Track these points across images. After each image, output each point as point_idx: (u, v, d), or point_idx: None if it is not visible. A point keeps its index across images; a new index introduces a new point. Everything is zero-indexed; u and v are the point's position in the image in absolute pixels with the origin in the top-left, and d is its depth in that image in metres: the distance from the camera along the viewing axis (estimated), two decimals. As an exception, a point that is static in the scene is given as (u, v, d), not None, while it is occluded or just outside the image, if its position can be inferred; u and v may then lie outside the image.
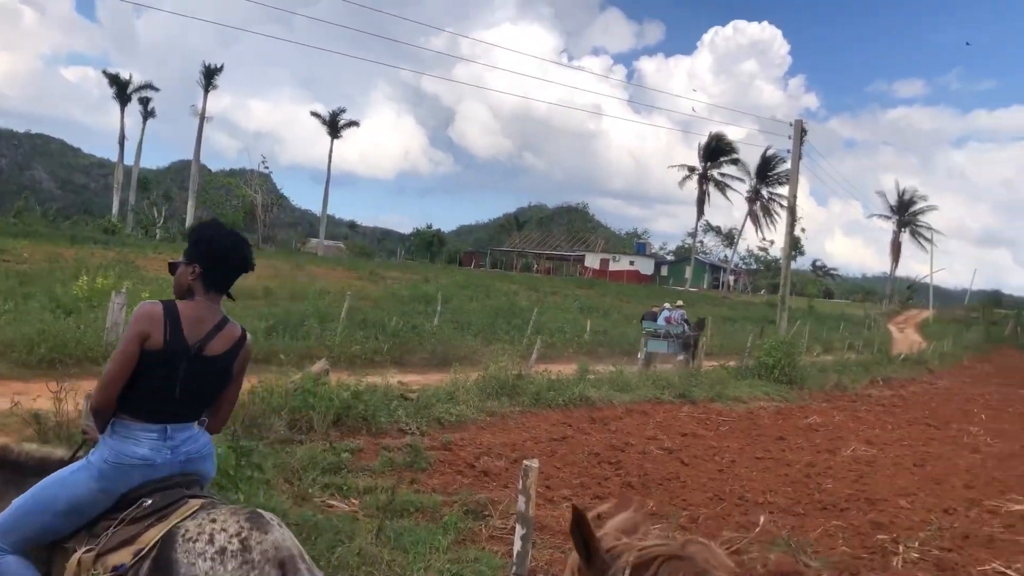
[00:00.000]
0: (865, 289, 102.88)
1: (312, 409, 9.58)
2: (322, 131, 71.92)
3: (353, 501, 7.21)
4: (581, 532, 1.70)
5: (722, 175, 69.74)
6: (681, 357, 20.88)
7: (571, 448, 10.80)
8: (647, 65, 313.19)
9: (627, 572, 1.63)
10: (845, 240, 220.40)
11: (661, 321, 21.35)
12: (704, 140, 69.89)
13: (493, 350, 18.32)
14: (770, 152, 66.83)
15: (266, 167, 73.29)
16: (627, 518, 1.86)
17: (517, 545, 4.66)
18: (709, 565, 1.64)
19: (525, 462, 4.86)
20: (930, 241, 70.37)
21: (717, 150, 68.30)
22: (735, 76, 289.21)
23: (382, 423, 10.33)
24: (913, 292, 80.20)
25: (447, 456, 9.58)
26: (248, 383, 9.83)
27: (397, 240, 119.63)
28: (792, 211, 21.47)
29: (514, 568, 4.67)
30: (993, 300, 73.32)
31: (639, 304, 43.01)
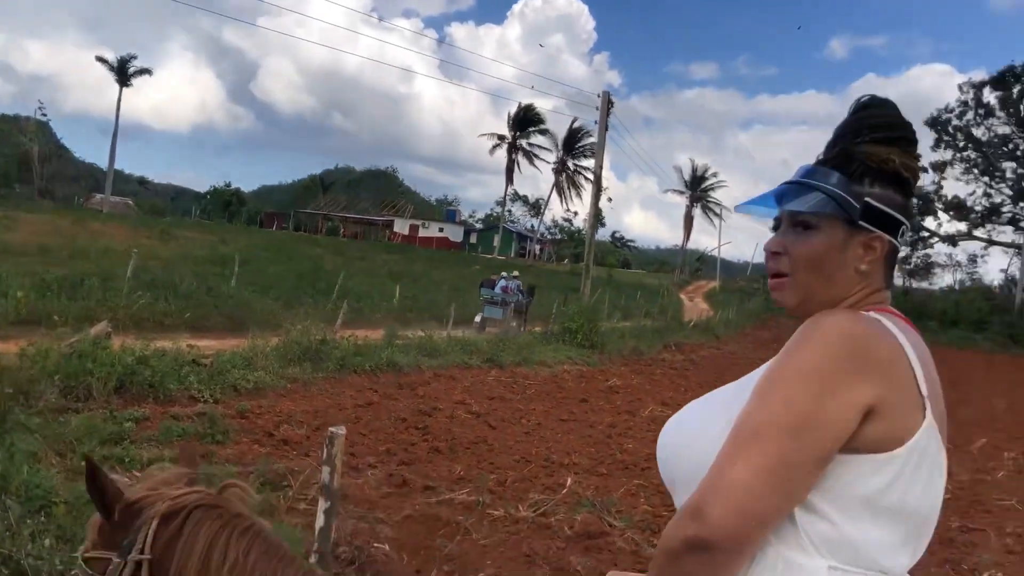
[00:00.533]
0: (660, 260, 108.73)
1: (91, 375, 8.68)
2: (110, 79, 66.37)
3: (136, 474, 6.51)
4: (97, 486, 1.59)
5: (531, 145, 71.02)
6: (515, 323, 22.43)
7: (377, 414, 10.47)
8: (458, 31, 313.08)
9: (154, 524, 1.54)
10: (642, 214, 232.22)
11: (498, 290, 22.89)
12: (514, 110, 70.76)
13: (295, 314, 17.64)
14: (576, 124, 68.76)
15: (44, 114, 66.76)
16: (174, 473, 1.78)
17: (320, 520, 4.29)
18: (243, 508, 1.64)
19: (331, 429, 4.52)
20: (719, 216, 75.14)
21: (526, 120, 69.34)
22: (543, 48, 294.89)
23: (171, 390, 9.54)
24: (702, 264, 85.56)
25: (244, 424, 9.00)
26: (15, 345, 8.77)
27: (192, 199, 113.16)
28: (598, 181, 22.01)
29: (316, 544, 4.30)
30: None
31: (448, 271, 43.11)
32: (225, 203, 79.70)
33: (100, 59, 68.38)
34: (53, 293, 13.68)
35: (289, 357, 12.34)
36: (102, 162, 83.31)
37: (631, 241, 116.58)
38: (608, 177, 68.58)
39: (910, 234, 1.45)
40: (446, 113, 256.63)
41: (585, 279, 23.88)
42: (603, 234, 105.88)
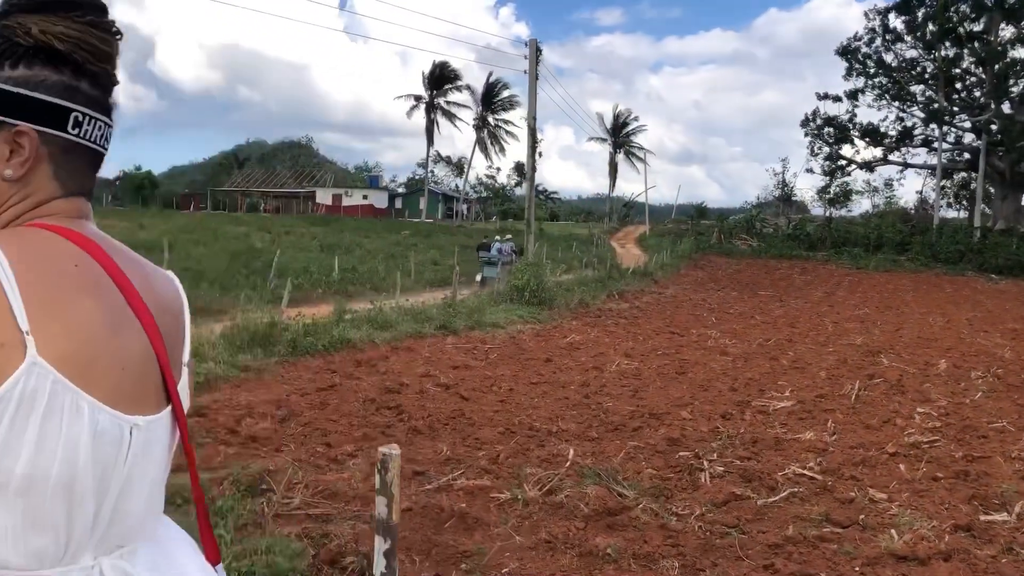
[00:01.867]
0: (584, 210, 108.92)
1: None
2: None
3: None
4: None
5: (448, 103, 69.72)
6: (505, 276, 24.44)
7: (342, 397, 9.85)
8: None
9: None
10: (561, 164, 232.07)
11: (494, 251, 25.73)
12: (428, 69, 69.27)
13: (234, 298, 16.77)
14: (494, 78, 67.75)
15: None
16: None
17: (380, 565, 3.70)
18: None
19: (382, 450, 3.91)
20: (643, 161, 75.36)
21: (442, 78, 67.98)
22: (448, 4, 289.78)
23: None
24: (629, 210, 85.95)
25: (202, 424, 8.28)
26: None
27: (101, 185, 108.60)
28: (532, 133, 21.42)
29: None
30: (700, 212, 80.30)
31: (379, 239, 42.15)
32: (137, 187, 76.47)
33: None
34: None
35: (238, 344, 11.59)
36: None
37: (554, 193, 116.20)
38: (518, 131, 67.89)
39: (98, 120, 0.98)
40: (354, 78, 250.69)
41: (528, 234, 23.39)
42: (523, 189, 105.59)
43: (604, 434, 8.25)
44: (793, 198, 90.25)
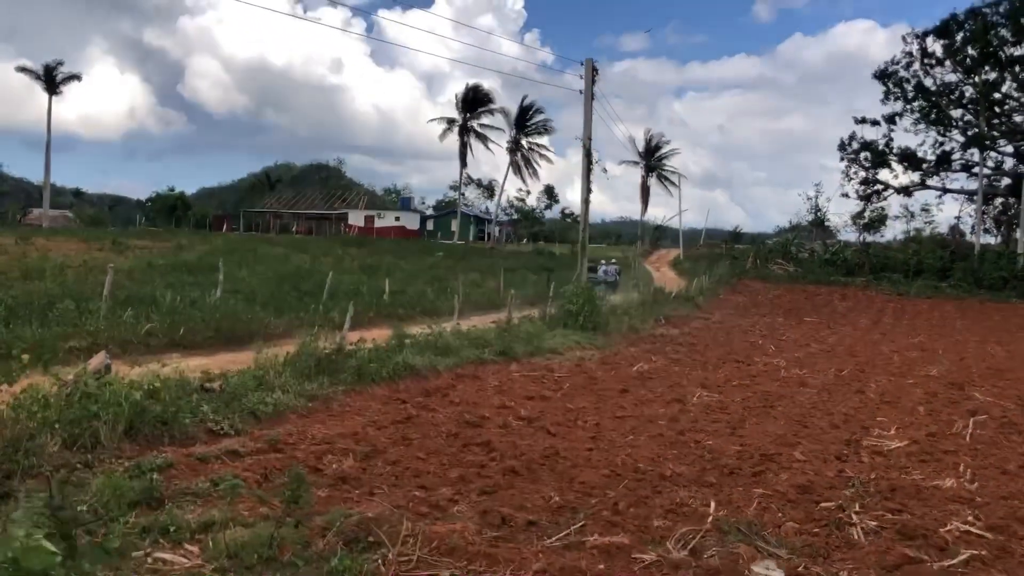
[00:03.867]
0: (613, 233, 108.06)
1: (96, 418, 7.27)
2: (32, 90, 63.16)
3: (190, 548, 5.21)
4: None
5: (482, 126, 69.38)
6: (612, 295, 28.39)
7: (422, 430, 9.21)
8: (386, 18, 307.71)
9: None
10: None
11: (601, 273, 31.95)
12: (461, 92, 69.05)
13: (289, 321, 16.24)
14: (527, 101, 67.44)
15: (-32, 129, 62.89)
16: None
17: None
18: None
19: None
20: (675, 184, 74.55)
21: (475, 100, 67.70)
22: (474, 31, 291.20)
23: (186, 425, 8.19)
24: (661, 233, 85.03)
25: (282, 460, 7.66)
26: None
27: (131, 206, 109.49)
28: (588, 153, 20.84)
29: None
30: (735, 237, 79.34)
31: (417, 261, 41.59)
32: (170, 208, 76.71)
33: (22, 69, 65.03)
34: (22, 320, 12.08)
35: (303, 372, 10.99)
36: (30, 176, 79.39)
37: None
38: (550, 155, 67.67)
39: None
40: (381, 101, 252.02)
41: (581, 258, 22.73)
42: (554, 212, 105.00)
43: (721, 478, 7.53)
44: (826, 223, 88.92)
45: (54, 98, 64.85)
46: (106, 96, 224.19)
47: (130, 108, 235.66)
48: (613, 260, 33.44)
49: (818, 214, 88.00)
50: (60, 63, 64.73)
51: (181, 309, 14.35)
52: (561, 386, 12.73)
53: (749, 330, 26.14)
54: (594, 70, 20.43)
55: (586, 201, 21.59)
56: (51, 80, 64.37)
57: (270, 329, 15.37)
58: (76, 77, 66.38)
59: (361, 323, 17.70)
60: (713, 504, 6.33)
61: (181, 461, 7.24)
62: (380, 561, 5.13)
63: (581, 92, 20.42)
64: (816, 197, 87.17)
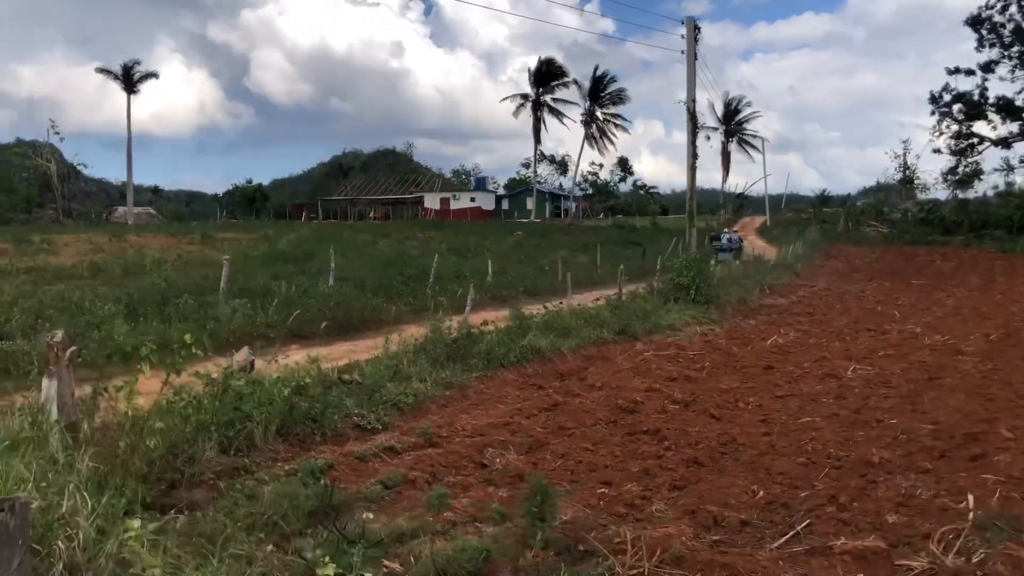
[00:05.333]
0: (684, 202, 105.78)
1: (248, 419, 6.83)
2: (108, 91, 64.63)
3: (390, 565, 4.67)
4: None
5: (555, 100, 68.26)
6: (736, 261, 30.39)
7: (575, 418, 8.60)
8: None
9: None
10: (652, 159, 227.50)
11: (724, 241, 33.01)
12: (533, 67, 68.06)
13: (399, 309, 15.83)
14: (600, 71, 66.10)
15: (58, 133, 64.73)
16: None
17: None
18: None
19: None
20: (757, 149, 72.21)
21: (548, 74, 66.61)
22: (532, 5, 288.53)
23: (335, 421, 7.72)
24: (743, 200, 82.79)
25: (441, 456, 7.13)
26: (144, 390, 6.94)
27: (207, 201, 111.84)
28: (693, 116, 19.87)
29: None
30: (822, 200, 76.83)
31: (499, 242, 41.01)
32: (249, 199, 77.86)
33: (102, 70, 66.30)
34: (144, 317, 11.86)
35: (435, 359, 10.48)
36: (111, 176, 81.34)
37: (653, 188, 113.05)
38: (626, 125, 66.09)
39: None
40: (443, 83, 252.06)
41: (689, 228, 21.81)
42: (627, 185, 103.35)
43: (933, 463, 6.70)
44: (916, 181, 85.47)
45: (133, 97, 66.16)
46: (176, 93, 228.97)
47: (200, 104, 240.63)
48: (736, 229, 34.85)
49: (907, 172, 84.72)
50: (137, 62, 65.92)
51: (296, 299, 14.02)
52: (699, 364, 11.96)
53: (860, 296, 24.86)
54: (696, 28, 19.42)
55: (692, 167, 20.63)
56: (129, 80, 65.57)
57: (383, 316, 14.98)
58: (153, 75, 67.56)
59: (455, 307, 17.23)
60: (971, 498, 5.51)
61: (340, 461, 6.77)
62: (605, 574, 4.51)
63: (683, 52, 19.46)
64: (904, 155, 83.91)
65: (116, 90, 65.14)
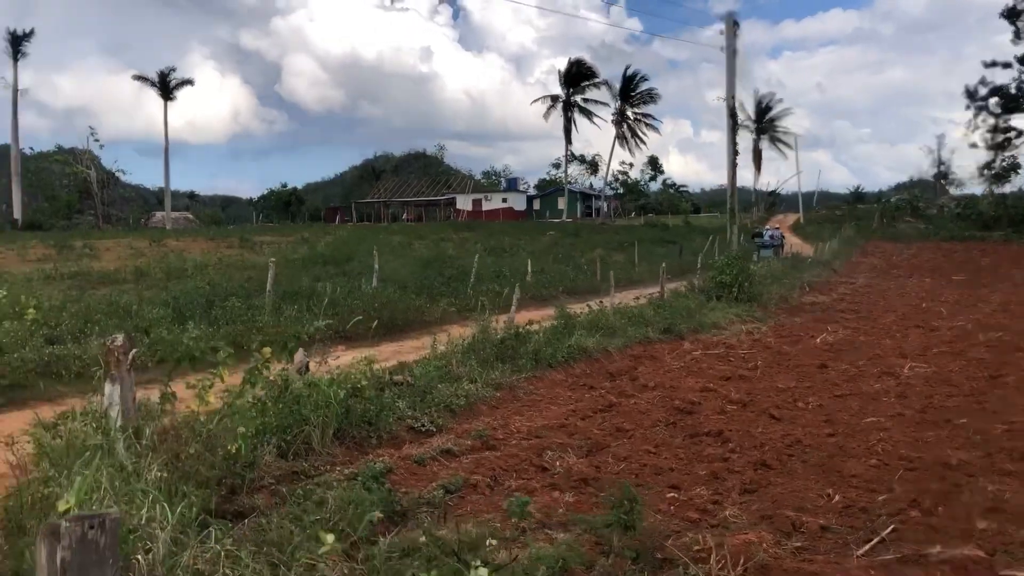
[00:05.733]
0: (718, 202, 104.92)
1: (306, 422, 6.73)
2: (143, 99, 65.65)
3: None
4: None
5: (585, 100, 67.95)
6: (778, 258, 31.06)
7: (632, 419, 8.41)
8: (472, 3, 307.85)
9: None
10: (679, 158, 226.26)
11: (767, 238, 32.78)
12: (563, 67, 67.81)
13: (443, 309, 15.73)
14: (631, 71, 65.72)
15: (97, 140, 65.57)
16: None
17: None
18: None
19: None
20: (789, 146, 71.40)
21: (578, 75, 66.34)
22: (559, 7, 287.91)
23: (389, 424, 7.60)
24: (775, 198, 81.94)
25: (500, 459, 6.99)
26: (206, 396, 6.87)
27: (242, 205, 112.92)
28: (733, 113, 19.57)
29: None
30: (856, 197, 75.91)
31: (532, 242, 40.83)
32: (285, 203, 78.43)
33: (139, 77, 67.08)
34: (194, 319, 11.85)
35: (485, 359, 10.35)
36: (147, 182, 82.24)
37: (683, 187, 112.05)
38: (656, 124, 65.49)
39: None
40: (471, 86, 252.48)
41: (731, 225, 21.49)
42: (657, 183, 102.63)
43: (1016, 465, 6.44)
44: (951, 176, 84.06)
45: (170, 103, 66.87)
46: (210, 100, 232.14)
47: (233, 110, 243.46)
48: (776, 226, 35.25)
49: (941, 167, 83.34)
50: (173, 69, 66.71)
51: (341, 300, 13.96)
52: (751, 364, 11.72)
53: (903, 293, 24.40)
54: (735, 24, 19.13)
55: (733, 164, 20.33)
56: (166, 87, 66.32)
57: (426, 316, 14.89)
58: (188, 82, 68.37)
59: (509, 305, 17.11)
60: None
61: (399, 465, 6.65)
62: (692, 583, 4.34)
63: (722, 49, 19.17)
64: (939, 149, 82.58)
65: (150, 98, 66.36)
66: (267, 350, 6.02)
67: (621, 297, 19.54)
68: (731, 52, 19.17)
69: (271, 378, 6.99)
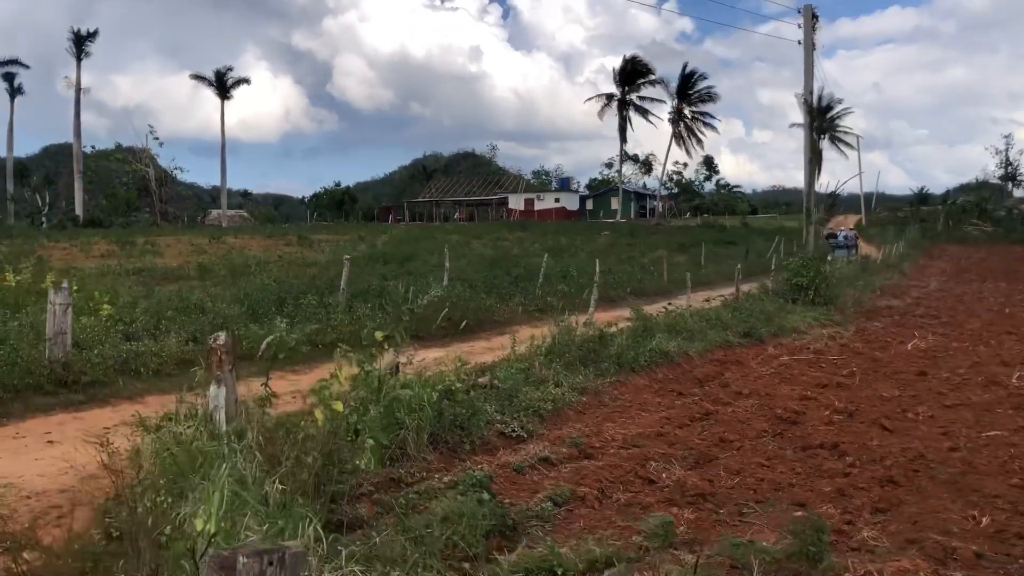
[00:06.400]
0: (778, 203, 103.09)
1: (400, 426, 6.42)
2: (198, 99, 67.03)
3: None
4: None
5: (641, 99, 67.10)
6: (853, 257, 32.10)
7: (733, 428, 7.96)
8: (522, 2, 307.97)
9: None
10: (732, 158, 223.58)
11: (841, 238, 34.15)
12: (619, 65, 67.08)
13: (511, 309, 15.40)
14: (689, 69, 64.76)
15: (156, 138, 66.63)
16: None
17: None
18: None
19: None
20: (851, 146, 69.52)
21: (634, 72, 65.53)
22: (610, 6, 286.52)
23: (481, 428, 7.25)
24: (835, 199, 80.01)
25: (597, 468, 6.60)
26: (297, 398, 6.62)
27: (294, 204, 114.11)
28: (810, 109, 18.87)
29: None
30: (921, 199, 73.94)
31: (588, 242, 40.29)
32: (338, 202, 78.94)
33: (196, 76, 67.93)
34: (264, 317, 11.67)
35: (568, 362, 9.96)
36: (200, 180, 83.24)
37: (736, 187, 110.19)
38: (715, 123, 64.43)
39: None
40: (520, 86, 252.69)
41: (807, 226, 20.83)
42: (711, 183, 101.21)
43: None
44: (1019, 177, 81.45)
45: (227, 102, 67.62)
46: (262, 100, 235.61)
47: (285, 110, 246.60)
48: (852, 227, 36.27)
49: (1008, 168, 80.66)
50: (229, 69, 67.50)
51: (412, 300, 13.69)
52: (845, 370, 11.17)
53: (980, 298, 23.49)
54: (814, 16, 18.38)
55: (811, 162, 19.65)
56: (222, 85, 67.10)
57: (496, 316, 14.56)
58: (245, 81, 69.12)
59: (575, 306, 16.69)
60: None
61: (498, 473, 6.28)
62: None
63: (800, 43, 18.51)
64: (1007, 150, 79.94)
65: (205, 97, 67.85)
66: (379, 333, 5.71)
67: (692, 299, 19.07)
68: (809, 45, 18.51)
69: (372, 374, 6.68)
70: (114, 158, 66.44)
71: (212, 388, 4.67)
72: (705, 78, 64.38)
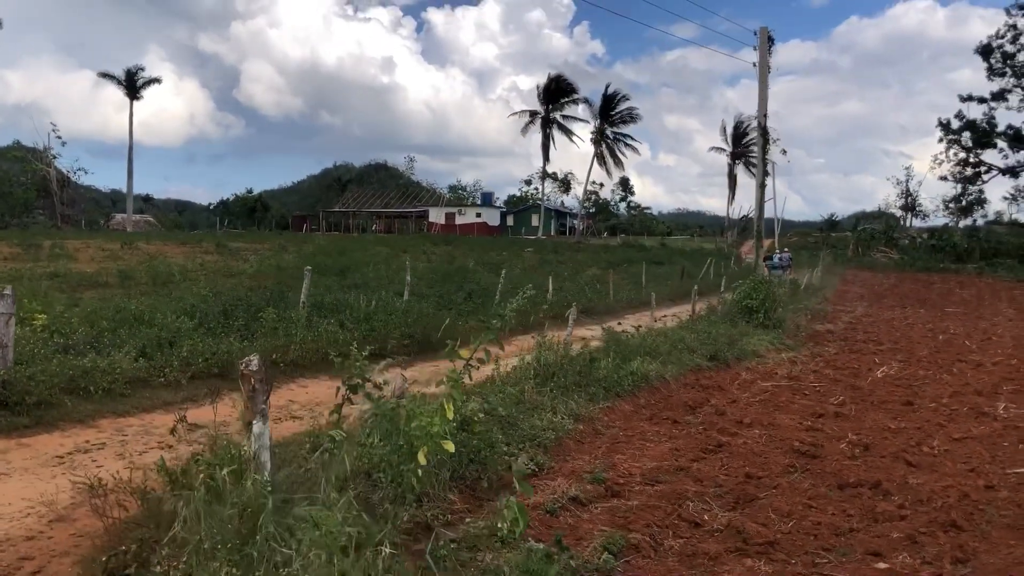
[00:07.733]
0: (678, 224, 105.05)
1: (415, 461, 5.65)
2: (98, 98, 63.96)
3: None
4: None
5: (564, 117, 67.36)
6: (788, 277, 31.91)
7: (751, 462, 7.47)
8: (436, 16, 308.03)
9: None
10: (638, 181, 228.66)
11: (776, 260, 34.65)
12: (543, 82, 67.18)
13: (473, 325, 14.64)
14: (611, 90, 65.35)
15: (59, 137, 63.03)
16: None
17: None
18: None
19: None
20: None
21: (558, 91, 65.74)
22: (523, 26, 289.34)
23: (495, 463, 6.56)
24: (747, 223, 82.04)
25: (632, 510, 6.00)
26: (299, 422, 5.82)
27: (198, 210, 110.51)
28: (764, 132, 18.84)
29: None
30: (830, 225, 76.30)
31: (515, 257, 39.82)
32: (250, 210, 76.39)
33: (105, 75, 64.70)
34: (215, 332, 10.64)
35: (562, 387, 9.35)
36: (100, 183, 79.42)
37: (647, 208, 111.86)
38: (641, 144, 64.98)
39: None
40: (432, 99, 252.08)
41: (757, 247, 20.76)
42: (624, 204, 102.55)
43: None
44: (918, 208, 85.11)
45: (133, 104, 64.63)
46: (166, 103, 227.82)
47: (189, 114, 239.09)
48: (786, 249, 36.40)
49: (908, 199, 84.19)
50: (141, 68, 64.56)
51: (373, 315, 12.80)
52: (832, 399, 10.87)
53: (912, 323, 23.92)
54: (769, 39, 18.39)
55: (762, 185, 19.57)
56: (132, 85, 64.17)
57: (458, 334, 13.81)
58: (156, 81, 66.14)
59: (527, 324, 16.08)
60: None
61: (532, 517, 5.60)
62: None
63: (755, 64, 18.48)
64: (907, 181, 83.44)
65: (104, 98, 64.49)
66: (465, 351, 4.99)
67: (636, 318, 18.72)
68: (764, 67, 18.49)
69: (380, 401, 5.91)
70: (12, 155, 62.59)
71: (256, 426, 3.84)
72: (627, 99, 65.17)
